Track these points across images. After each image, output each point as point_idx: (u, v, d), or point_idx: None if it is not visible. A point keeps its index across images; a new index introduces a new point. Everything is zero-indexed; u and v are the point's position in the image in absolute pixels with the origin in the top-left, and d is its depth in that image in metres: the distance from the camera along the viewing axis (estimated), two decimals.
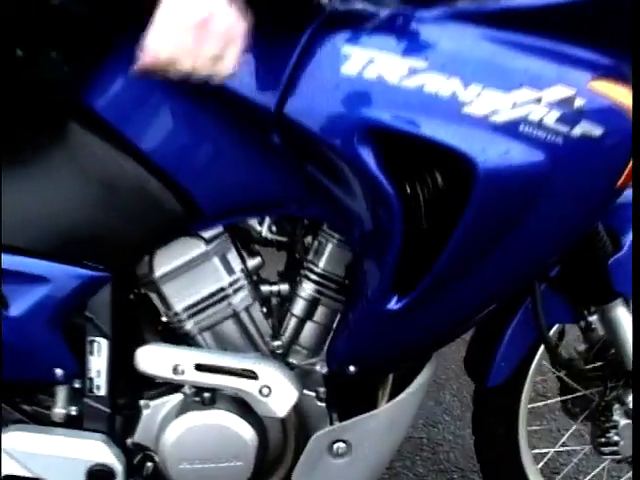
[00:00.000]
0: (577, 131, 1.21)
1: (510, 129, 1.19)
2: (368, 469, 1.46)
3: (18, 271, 1.31)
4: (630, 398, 1.60)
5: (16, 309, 1.32)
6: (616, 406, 1.62)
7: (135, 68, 1.09)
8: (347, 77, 1.18)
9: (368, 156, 1.20)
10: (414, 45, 1.19)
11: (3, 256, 1.30)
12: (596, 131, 1.22)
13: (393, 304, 1.29)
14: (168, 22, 1.06)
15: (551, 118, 1.19)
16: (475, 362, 1.63)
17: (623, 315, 1.52)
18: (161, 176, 1.29)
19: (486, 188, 1.20)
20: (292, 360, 1.45)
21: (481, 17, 1.20)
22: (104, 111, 1.28)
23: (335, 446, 1.41)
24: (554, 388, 1.72)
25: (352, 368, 1.37)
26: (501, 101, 1.18)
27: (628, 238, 1.47)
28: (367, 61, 1.17)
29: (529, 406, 1.66)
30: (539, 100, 1.19)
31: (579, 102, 1.20)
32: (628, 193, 1.51)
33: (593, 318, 1.56)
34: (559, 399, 1.72)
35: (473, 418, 1.70)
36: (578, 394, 1.68)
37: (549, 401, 1.80)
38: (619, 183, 1.28)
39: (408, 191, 1.25)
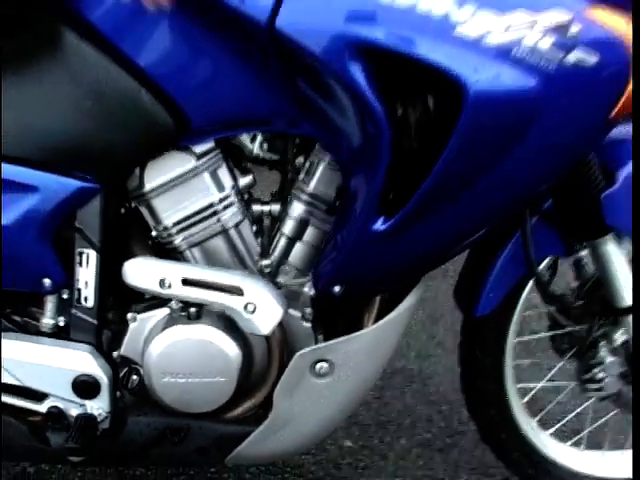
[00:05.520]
0: (571, 58, 1.19)
1: (503, 52, 1.17)
2: (350, 391, 1.47)
3: (8, 180, 1.31)
4: (617, 335, 1.61)
5: (6, 218, 1.32)
6: (602, 343, 1.62)
7: None
8: None
9: (359, 74, 1.19)
10: None
11: None
12: (590, 59, 1.20)
13: (379, 225, 1.28)
14: None
15: (545, 43, 1.18)
16: (464, 292, 1.63)
17: (613, 251, 1.52)
18: (152, 88, 1.28)
19: (476, 111, 1.19)
20: (280, 280, 1.46)
21: None
22: (99, 22, 1.28)
23: (318, 365, 1.42)
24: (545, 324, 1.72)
25: (337, 289, 1.38)
26: (495, 23, 1.16)
27: (621, 173, 1.47)
28: None
29: (519, 340, 1.67)
30: (534, 24, 1.17)
31: (574, 28, 1.18)
32: (624, 130, 1.51)
33: (584, 253, 1.57)
34: (548, 334, 1.73)
35: (460, 349, 1.72)
36: (567, 330, 1.69)
37: (537, 335, 1.80)
38: (612, 115, 1.26)
39: (399, 112, 1.25)
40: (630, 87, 1.25)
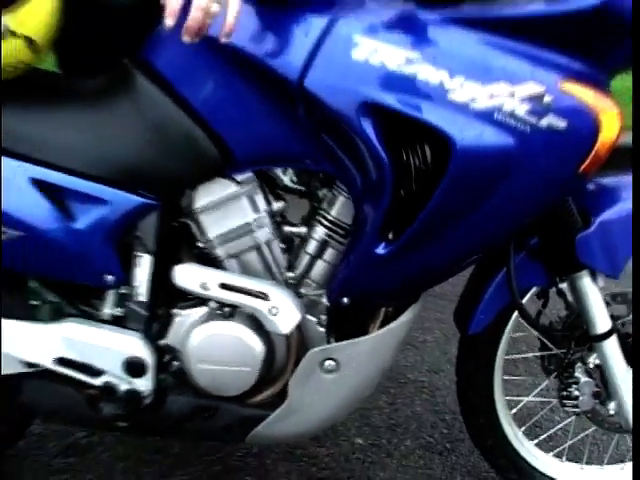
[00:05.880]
0: (544, 123, 1.46)
1: (486, 116, 1.45)
2: (352, 387, 1.75)
3: (85, 193, 1.60)
4: (591, 359, 1.86)
5: (81, 223, 1.61)
6: (578, 364, 1.87)
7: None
8: (356, 61, 1.46)
9: (369, 128, 1.47)
10: (412, 40, 1.45)
11: (75, 179, 1.61)
12: (561, 124, 1.47)
13: (380, 249, 1.57)
14: None
15: (522, 110, 1.45)
16: (461, 313, 1.90)
17: (588, 285, 1.76)
18: (204, 126, 1.57)
19: (461, 162, 1.46)
20: (302, 290, 1.74)
21: (472, 22, 1.47)
22: (163, 68, 1.58)
23: (326, 363, 1.70)
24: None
25: (345, 300, 1.66)
26: (480, 92, 1.44)
27: (597, 218, 1.71)
28: (373, 50, 1.45)
29: (511, 357, 1.92)
30: (513, 94, 1.45)
31: (548, 98, 1.46)
32: (604, 181, 1.77)
33: (563, 285, 1.81)
34: (538, 354, 1.98)
35: (457, 363, 1.97)
36: (552, 352, 1.94)
37: (526, 355, 2.04)
38: (582, 169, 1.52)
39: (404, 159, 1.53)
40: (597, 147, 1.51)
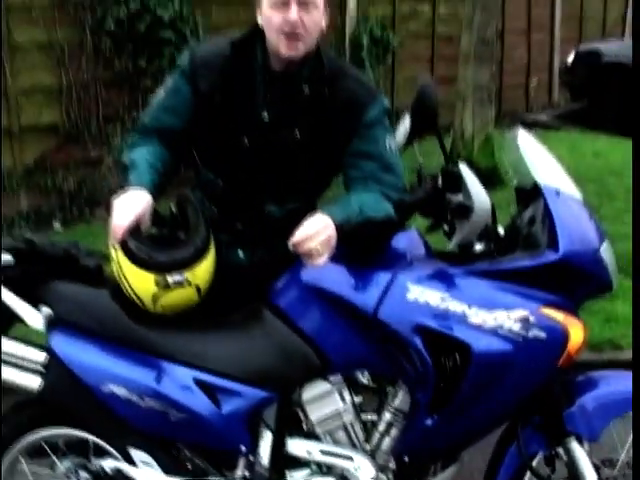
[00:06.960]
0: (530, 334, 2.28)
1: (492, 331, 2.27)
2: None
3: (228, 388, 2.40)
4: None
5: (224, 409, 2.38)
6: None
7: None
8: (409, 300, 2.30)
9: (419, 342, 2.28)
10: (444, 286, 2.31)
11: (222, 379, 2.41)
12: (542, 335, 2.28)
13: (428, 421, 2.35)
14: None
15: (516, 327, 2.28)
16: (488, 471, 2.62)
17: (576, 447, 2.47)
18: (311, 344, 2.39)
19: (478, 362, 2.27)
20: (376, 456, 2.48)
21: (481, 273, 2.33)
22: (284, 306, 2.43)
23: None
24: None
25: (406, 458, 2.42)
26: (488, 316, 2.28)
27: (579, 400, 2.45)
28: (420, 293, 2.30)
29: None
30: (509, 316, 2.28)
31: (532, 319, 2.28)
32: (589, 374, 2.54)
33: (560, 450, 2.54)
34: None
35: None
36: None
37: None
38: (559, 364, 2.33)
39: (442, 361, 2.35)
40: (567, 349, 2.32)
